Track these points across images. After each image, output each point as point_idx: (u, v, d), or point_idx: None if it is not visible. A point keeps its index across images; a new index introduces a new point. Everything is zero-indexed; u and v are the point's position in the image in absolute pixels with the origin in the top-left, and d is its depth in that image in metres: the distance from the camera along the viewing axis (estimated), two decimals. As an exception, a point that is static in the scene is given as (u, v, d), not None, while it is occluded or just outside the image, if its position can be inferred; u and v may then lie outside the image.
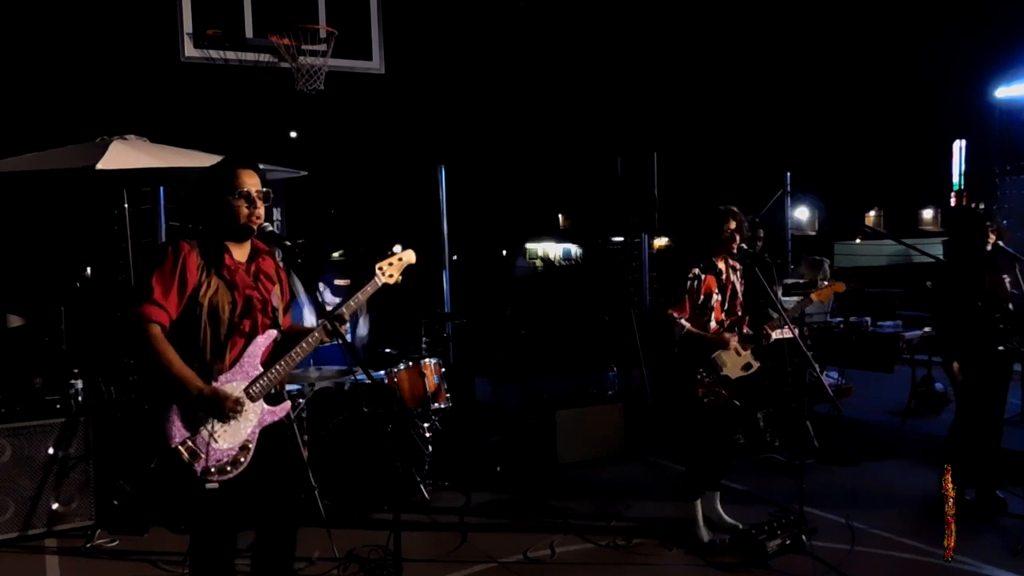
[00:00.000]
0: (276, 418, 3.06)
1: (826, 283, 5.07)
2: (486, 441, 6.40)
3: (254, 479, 3.00)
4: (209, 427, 2.88)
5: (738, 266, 4.68)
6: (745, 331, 4.55)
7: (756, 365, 4.56)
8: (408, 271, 3.40)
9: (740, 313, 4.67)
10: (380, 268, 3.26)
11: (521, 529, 4.88)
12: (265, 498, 3.10)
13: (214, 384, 2.89)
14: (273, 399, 3.06)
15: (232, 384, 2.93)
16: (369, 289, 3.22)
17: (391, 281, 3.30)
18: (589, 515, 5.09)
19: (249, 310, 2.99)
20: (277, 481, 3.13)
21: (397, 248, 3.46)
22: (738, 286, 4.68)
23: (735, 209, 4.54)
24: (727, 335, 4.49)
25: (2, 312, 6.04)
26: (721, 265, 4.59)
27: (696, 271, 4.48)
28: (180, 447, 2.85)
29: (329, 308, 3.11)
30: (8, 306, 6.18)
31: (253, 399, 2.97)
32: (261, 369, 3.00)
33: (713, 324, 4.56)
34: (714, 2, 17.37)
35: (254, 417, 2.98)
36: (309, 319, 5.39)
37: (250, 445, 2.96)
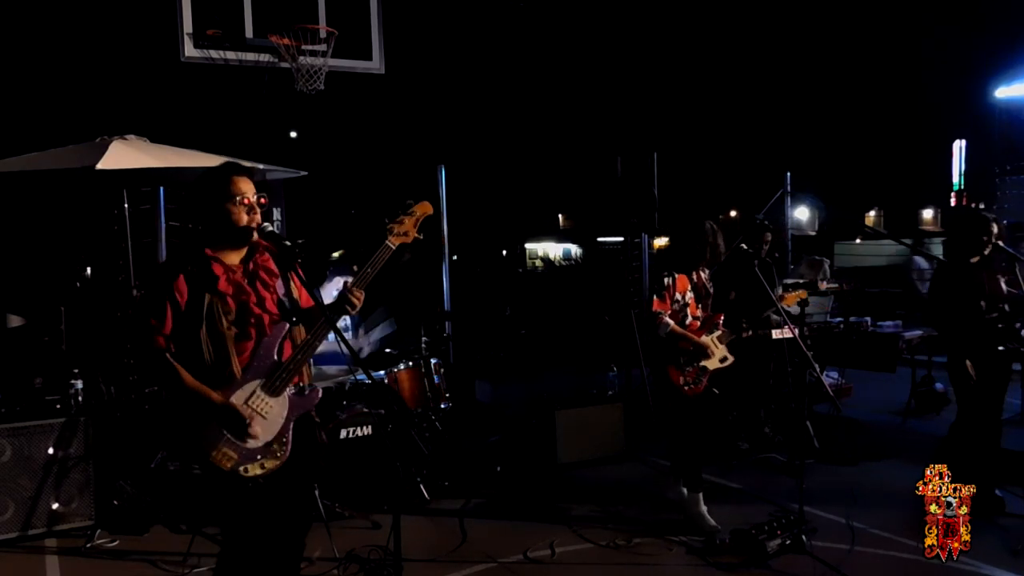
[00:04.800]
0: (309, 407, 3.06)
1: (790, 291, 5.39)
2: (486, 441, 6.40)
3: (290, 474, 3.01)
4: None
5: (706, 268, 4.94)
6: (721, 328, 4.83)
7: (731, 359, 4.84)
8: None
9: (710, 311, 4.92)
10: (390, 229, 3.08)
11: (521, 529, 4.88)
12: (290, 494, 3.09)
13: (228, 391, 2.90)
14: (302, 389, 3.04)
15: (247, 386, 2.93)
16: (382, 255, 3.06)
17: (407, 240, 3.10)
18: (589, 515, 5.09)
19: (249, 313, 2.97)
20: (303, 477, 3.14)
21: (410, 201, 3.13)
22: (708, 285, 4.93)
23: (716, 228, 4.79)
24: (706, 340, 4.76)
25: (2, 312, 6.04)
26: None
27: (666, 271, 4.77)
28: (216, 454, 2.87)
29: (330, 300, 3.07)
30: (8, 306, 6.18)
31: (276, 394, 2.96)
32: (277, 361, 2.98)
33: (690, 319, 4.80)
34: (714, 2, 17.37)
35: (283, 411, 2.97)
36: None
37: (285, 438, 2.97)
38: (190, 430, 2.92)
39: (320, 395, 3.11)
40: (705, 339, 4.76)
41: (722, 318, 4.86)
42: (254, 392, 2.94)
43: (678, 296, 4.75)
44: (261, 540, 3.06)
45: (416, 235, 3.15)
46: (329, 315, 2.97)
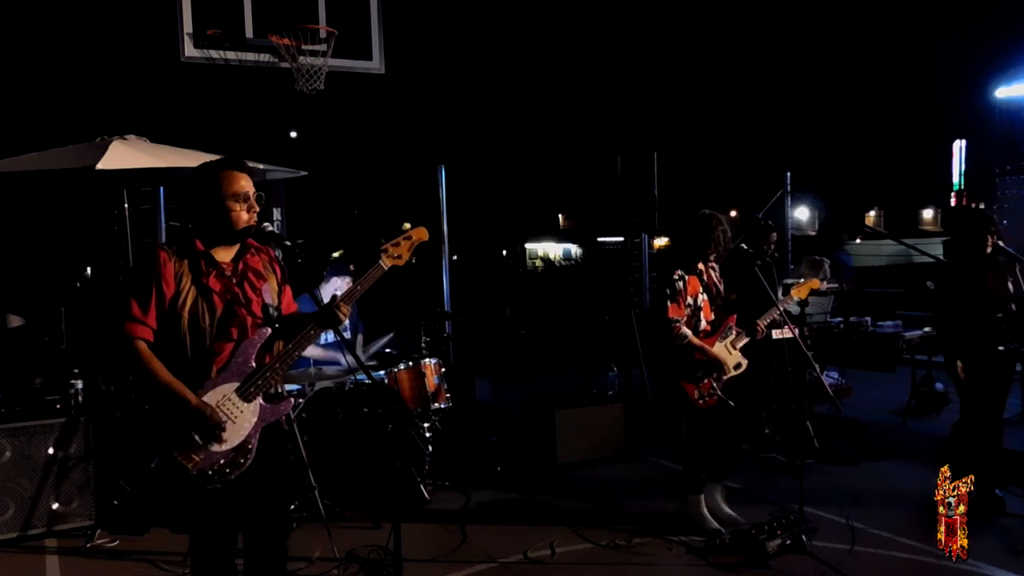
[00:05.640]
0: (277, 416, 3.01)
1: (801, 280, 5.20)
2: (486, 441, 6.40)
3: (254, 480, 2.97)
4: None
5: (715, 265, 4.78)
6: (735, 331, 4.66)
7: (745, 363, 4.68)
8: (409, 271, 3.28)
9: (723, 313, 4.76)
10: (385, 250, 3.11)
11: (521, 529, 4.88)
12: (260, 499, 3.06)
13: (202, 391, 2.86)
14: (273, 397, 3.01)
15: (221, 388, 2.89)
16: (373, 275, 3.07)
17: (400, 263, 3.13)
18: (589, 515, 5.09)
19: (233, 314, 2.93)
20: (274, 483, 3.10)
21: (407, 225, 3.20)
22: (719, 284, 4.79)
23: (720, 216, 4.67)
24: (721, 352, 4.59)
25: (2, 312, 6.04)
26: (700, 266, 4.70)
27: (680, 272, 4.59)
28: (179, 455, 2.84)
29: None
30: (8, 306, 6.18)
31: (248, 400, 2.92)
32: (255, 368, 2.94)
33: (704, 324, 4.66)
34: (714, 2, 17.38)
35: (252, 417, 2.93)
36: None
37: (250, 446, 2.93)
38: (157, 426, 2.88)
39: (291, 405, 3.09)
40: (720, 349, 4.56)
41: (735, 320, 4.68)
42: (227, 395, 2.90)
43: (690, 299, 4.58)
44: (227, 543, 3.04)
45: (409, 259, 3.18)
46: (315, 325, 2.94)
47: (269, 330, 3.00)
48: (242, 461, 2.91)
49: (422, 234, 3.20)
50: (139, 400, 5.42)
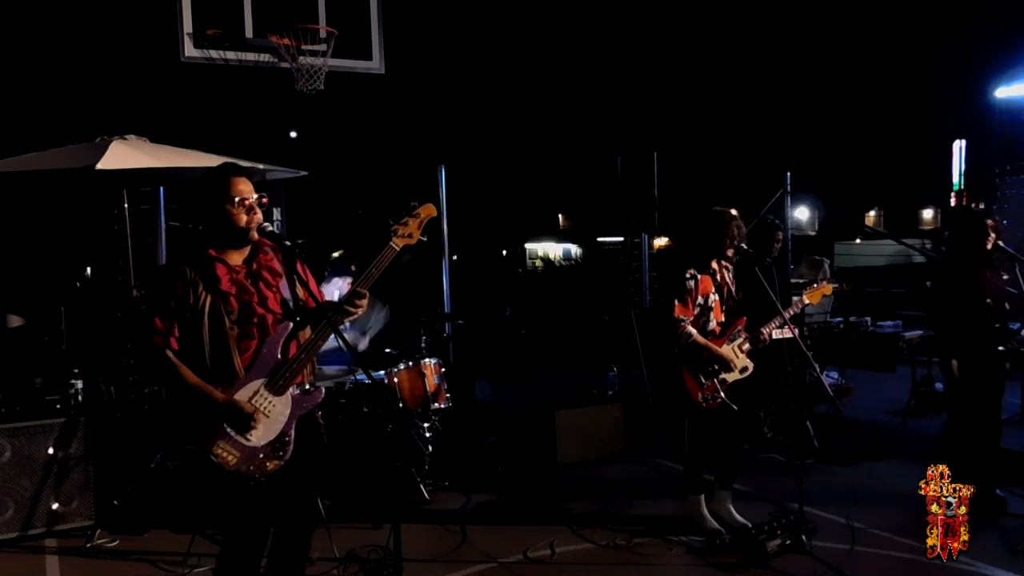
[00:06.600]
0: (312, 406, 3.07)
1: (815, 285, 5.13)
2: (486, 441, 6.40)
3: (293, 473, 3.03)
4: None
5: (729, 265, 4.71)
6: (743, 335, 4.60)
7: (751, 367, 4.61)
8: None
9: (733, 315, 4.69)
10: (395, 231, 3.11)
11: (521, 529, 4.88)
12: (296, 492, 3.12)
13: (232, 390, 2.92)
14: (305, 388, 3.06)
15: (251, 385, 2.95)
16: (387, 256, 3.08)
17: (411, 242, 3.14)
18: (589, 515, 5.09)
19: (252, 313, 2.99)
20: (309, 476, 3.16)
21: (414, 203, 3.16)
22: (732, 285, 4.72)
23: (734, 212, 4.60)
24: (729, 353, 4.52)
25: (2, 312, 6.05)
26: (714, 265, 4.64)
27: (692, 271, 4.53)
28: (217, 452, 2.89)
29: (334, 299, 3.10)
30: (8, 306, 6.18)
31: (279, 393, 2.98)
32: (281, 360, 2.99)
33: (713, 324, 4.60)
34: (714, 2, 17.38)
35: (286, 409, 2.99)
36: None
37: (287, 438, 2.98)
38: (192, 428, 2.94)
39: (323, 394, 3.13)
40: (727, 350, 4.51)
41: (744, 323, 4.61)
42: (257, 391, 2.95)
43: (700, 299, 4.52)
44: (260, 539, 3.08)
45: (420, 237, 3.18)
46: (331, 315, 2.98)
47: (291, 324, 3.06)
48: (282, 454, 2.97)
49: (430, 210, 3.20)
50: (139, 400, 5.42)
